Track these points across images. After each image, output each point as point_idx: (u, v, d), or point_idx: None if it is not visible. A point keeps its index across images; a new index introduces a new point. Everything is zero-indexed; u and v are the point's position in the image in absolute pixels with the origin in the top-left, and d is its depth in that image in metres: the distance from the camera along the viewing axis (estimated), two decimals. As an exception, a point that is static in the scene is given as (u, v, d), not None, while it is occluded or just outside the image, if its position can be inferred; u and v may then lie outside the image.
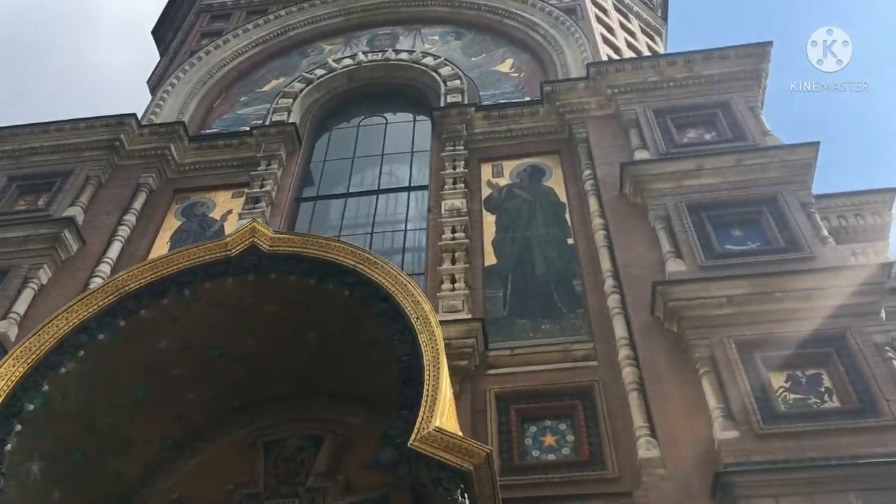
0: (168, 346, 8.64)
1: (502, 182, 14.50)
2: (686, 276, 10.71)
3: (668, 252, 11.33)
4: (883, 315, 10.20)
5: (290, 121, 16.45)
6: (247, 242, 8.48)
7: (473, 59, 18.38)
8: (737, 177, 12.24)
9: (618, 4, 21.40)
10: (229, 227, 14.17)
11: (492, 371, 10.94)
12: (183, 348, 8.78)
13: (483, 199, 14.13)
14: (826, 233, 11.29)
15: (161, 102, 17.76)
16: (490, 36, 19.07)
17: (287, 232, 9.39)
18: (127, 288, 8.18)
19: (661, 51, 21.51)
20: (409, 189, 15.35)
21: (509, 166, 14.80)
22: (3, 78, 54.80)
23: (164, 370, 8.72)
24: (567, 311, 11.79)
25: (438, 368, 6.74)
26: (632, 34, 20.66)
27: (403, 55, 18.51)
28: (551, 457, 9.90)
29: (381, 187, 15.65)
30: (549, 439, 10.13)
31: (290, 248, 8.34)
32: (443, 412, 6.46)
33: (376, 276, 7.83)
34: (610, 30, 19.50)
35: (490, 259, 12.89)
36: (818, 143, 12.27)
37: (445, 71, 17.41)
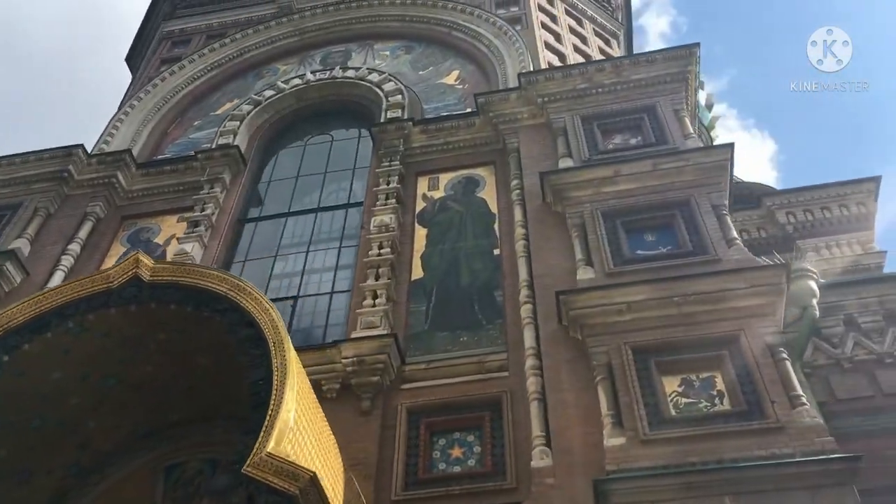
0: (62, 377, 8.89)
1: (437, 195, 14.59)
2: (591, 284, 10.78)
3: (580, 260, 11.42)
4: (822, 312, 10.27)
5: (235, 143, 16.64)
6: (129, 273, 8.70)
7: (421, 72, 18.47)
8: (653, 181, 12.26)
9: (570, 10, 21.39)
10: (171, 251, 14.45)
11: (406, 385, 11.09)
12: (79, 378, 9.03)
13: (417, 212, 14.26)
14: (735, 234, 11.31)
15: (114, 131, 18.03)
16: (439, 49, 19.13)
17: (167, 262, 9.59)
18: (10, 324, 8.43)
19: (617, 54, 21.50)
20: (346, 206, 15.47)
21: (445, 179, 14.88)
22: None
23: (60, 400, 8.97)
24: (486, 322, 11.89)
25: (283, 393, 6.90)
26: (583, 39, 20.63)
27: (350, 72, 18.60)
28: (457, 469, 10.05)
29: (322, 205, 15.81)
30: (457, 451, 10.26)
31: (169, 278, 8.55)
32: (282, 436, 6.61)
33: (243, 301, 8.01)
34: (557, 37, 19.51)
35: (417, 273, 13.01)
36: (732, 144, 12.40)
37: (388, 86, 17.49)
